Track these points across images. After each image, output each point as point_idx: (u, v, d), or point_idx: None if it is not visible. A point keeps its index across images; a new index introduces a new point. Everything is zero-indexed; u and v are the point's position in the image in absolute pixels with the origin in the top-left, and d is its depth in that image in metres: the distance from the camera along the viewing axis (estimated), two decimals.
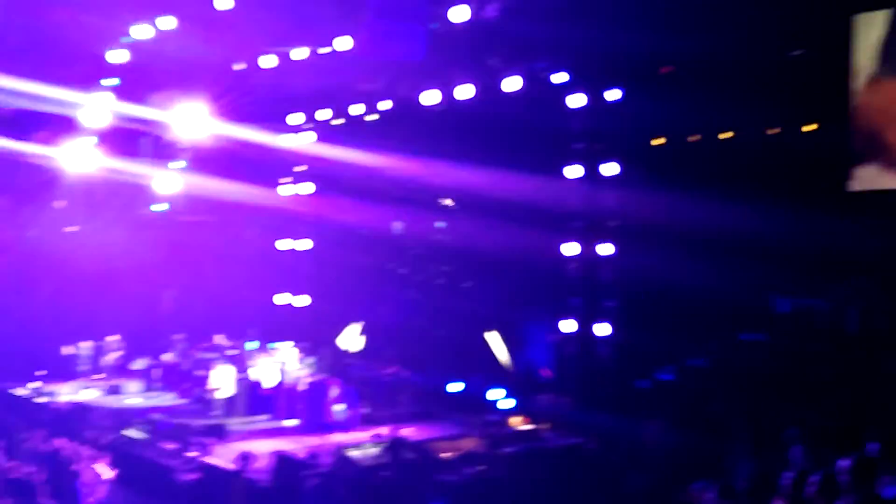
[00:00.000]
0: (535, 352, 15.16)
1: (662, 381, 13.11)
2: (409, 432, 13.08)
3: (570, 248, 14.28)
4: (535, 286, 14.48)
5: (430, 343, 15.52)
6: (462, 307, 15.13)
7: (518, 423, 13.58)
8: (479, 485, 10.90)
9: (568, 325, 14.17)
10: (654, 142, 14.31)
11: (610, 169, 14.08)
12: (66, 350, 18.02)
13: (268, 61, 16.99)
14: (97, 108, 18.03)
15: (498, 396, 14.48)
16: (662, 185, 12.62)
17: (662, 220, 12.28)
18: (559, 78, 14.44)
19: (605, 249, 14.00)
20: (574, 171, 14.29)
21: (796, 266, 11.71)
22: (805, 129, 12.81)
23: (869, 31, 11.70)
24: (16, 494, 10.83)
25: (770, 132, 13.18)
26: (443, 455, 12.27)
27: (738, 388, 11.66)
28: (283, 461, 11.76)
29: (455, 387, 15.25)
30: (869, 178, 11.67)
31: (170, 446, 13.28)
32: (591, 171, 14.17)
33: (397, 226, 16.69)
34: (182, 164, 19.17)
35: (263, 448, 12.57)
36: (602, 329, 13.79)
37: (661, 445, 10.89)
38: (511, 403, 14.35)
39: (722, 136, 13.69)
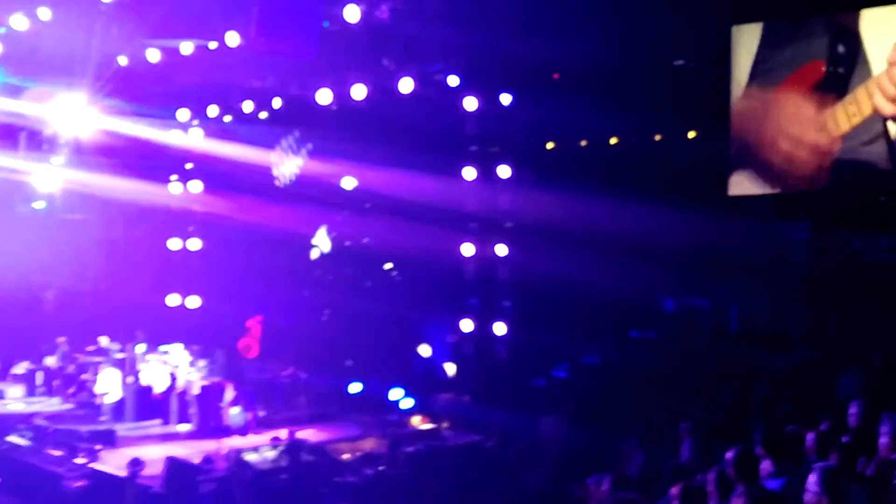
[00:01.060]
0: (434, 351, 15.21)
1: (557, 379, 13.42)
2: (307, 434, 12.89)
3: (467, 249, 14.41)
4: (434, 286, 14.53)
5: (328, 344, 15.33)
6: (361, 307, 15.00)
7: (418, 422, 13.59)
8: (379, 485, 10.88)
9: (466, 325, 14.30)
10: (547, 145, 14.61)
11: (504, 171, 14.27)
12: None
13: (153, 55, 16.32)
14: None
15: (398, 396, 14.46)
16: (554, 187, 12.89)
17: (555, 222, 12.55)
18: (453, 81, 14.51)
19: (501, 250, 14.19)
20: (469, 173, 14.41)
21: (681, 267, 12.20)
22: (688, 135, 13.36)
23: (746, 42, 12.27)
24: None
25: (655, 138, 13.68)
26: (343, 456, 12.22)
27: (629, 384, 12.06)
28: (177, 466, 11.37)
29: (355, 387, 15.14)
30: (744, 183, 12.25)
31: (56, 453, 12.59)
32: (486, 173, 14.32)
33: (291, 225, 16.37)
34: (63, 159, 18.17)
35: (155, 453, 12.14)
36: (499, 328, 13.98)
37: (558, 441, 11.15)
38: (411, 403, 14.35)
39: (610, 140, 14.11)
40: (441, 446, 12.30)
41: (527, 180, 13.90)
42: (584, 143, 14.29)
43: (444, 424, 13.43)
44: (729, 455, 6.17)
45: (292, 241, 16.32)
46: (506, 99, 14.23)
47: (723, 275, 12.40)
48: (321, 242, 15.71)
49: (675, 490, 6.15)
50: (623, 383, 12.19)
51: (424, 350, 15.13)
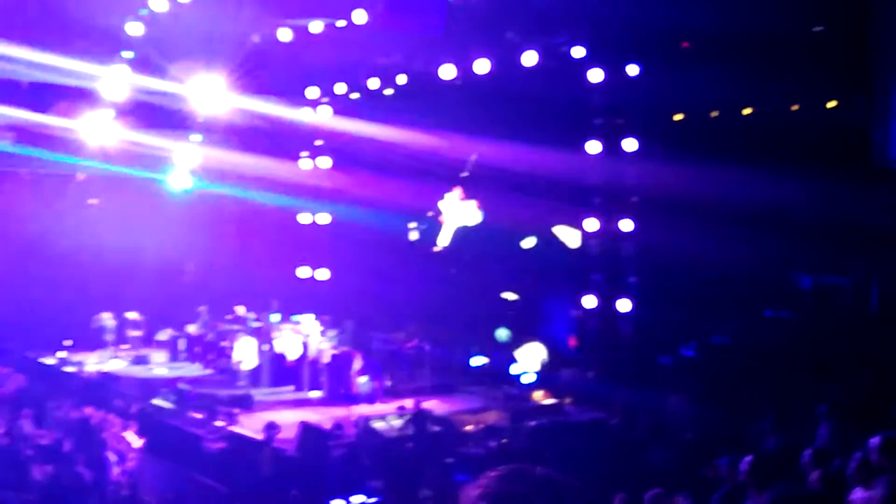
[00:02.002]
0: (557, 327, 15.11)
1: (685, 357, 13.06)
2: (431, 405, 13.11)
3: (591, 224, 14.17)
4: (557, 261, 14.37)
5: (452, 317, 15.45)
6: (484, 282, 15.02)
7: (540, 397, 13.57)
8: (502, 458, 10.93)
9: (589, 301, 14.12)
10: (675, 117, 14.13)
11: (630, 144, 13.92)
12: (93, 321, 18.05)
13: (284, 34, 16.78)
14: (115, 80, 17.90)
15: (520, 371, 14.47)
16: (683, 160, 12.45)
17: (684, 196, 12.12)
18: (578, 52, 14.23)
19: (626, 225, 13.89)
20: (594, 147, 14.13)
21: (819, 242, 11.57)
22: (828, 104, 12.62)
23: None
24: (46, 461, 10.97)
25: (792, 108, 12.99)
26: (466, 428, 12.43)
27: (761, 364, 11.60)
28: (309, 431, 11.87)
29: (478, 361, 15.26)
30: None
31: (197, 415, 13.39)
32: (611, 147, 14.00)
33: (417, 200, 16.59)
34: (200, 137, 19.06)
35: (289, 418, 12.71)
36: (623, 305, 13.73)
37: (684, 421, 10.89)
38: (533, 378, 14.32)
39: (743, 111, 13.50)
40: (564, 422, 12.28)
41: (654, 153, 13.50)
42: (714, 114, 13.72)
43: (567, 400, 13.37)
44: (874, 441, 5.87)
45: (418, 215, 16.52)
46: (632, 70, 13.85)
47: (864, 250, 11.67)
48: (463, 219, 15.66)
49: (814, 475, 5.92)
50: (755, 364, 11.72)
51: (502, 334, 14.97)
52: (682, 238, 11.71)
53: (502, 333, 14.57)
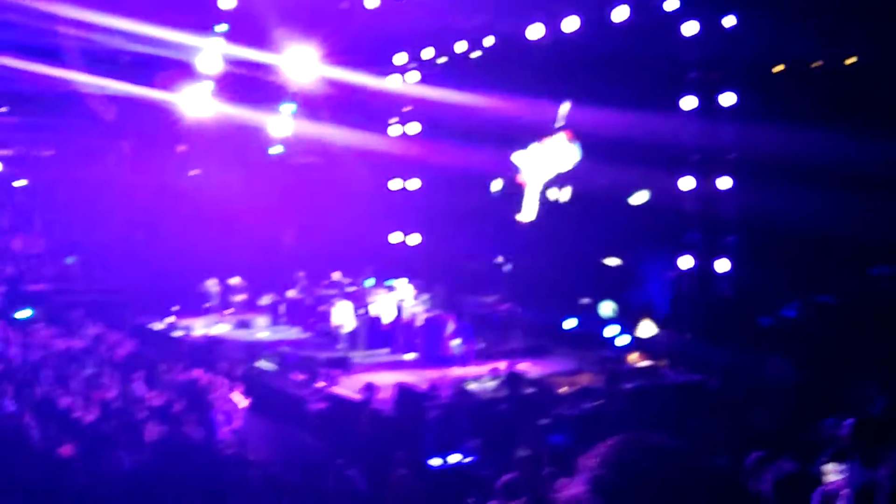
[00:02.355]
0: (652, 288, 14.85)
1: (787, 318, 12.63)
2: (525, 367, 13.14)
3: (687, 183, 13.80)
4: (652, 222, 14.06)
5: (544, 280, 15.44)
6: (577, 244, 14.88)
7: (636, 359, 13.42)
8: (597, 419, 10.91)
9: (685, 262, 13.80)
10: (774, 69, 13.54)
11: (727, 99, 13.44)
12: (198, 287, 18.80)
13: (371, 1, 16.83)
14: (211, 53, 18.37)
15: (614, 333, 14.36)
16: (783, 114, 11.95)
17: (784, 152, 11.64)
18: (670, 5, 13.77)
19: (724, 183, 13.46)
20: (689, 103, 13.71)
21: None
22: None
23: None
24: (159, 421, 11.54)
25: None
26: (560, 390, 12.39)
27: (868, 324, 11.13)
28: (406, 393, 12.14)
29: (570, 323, 15.19)
30: None
31: (299, 377, 13.83)
32: (708, 103, 13.56)
33: (508, 164, 16.48)
34: (293, 107, 19.40)
35: (386, 380, 12.98)
36: (721, 265, 13.36)
37: (786, 383, 10.59)
38: (627, 340, 14.18)
39: (847, 61, 12.81)
40: (660, 384, 12.10)
41: (752, 108, 13.00)
42: (817, 65, 13.06)
43: (663, 362, 13.18)
44: None
45: (509, 179, 16.41)
46: (729, 21, 13.32)
47: None
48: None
49: None
50: (861, 324, 11.24)
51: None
52: (783, 195, 11.28)
53: (607, 307, 14.35)
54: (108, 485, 9.12)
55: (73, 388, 12.76)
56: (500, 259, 16.33)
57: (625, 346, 14.05)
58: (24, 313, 18.99)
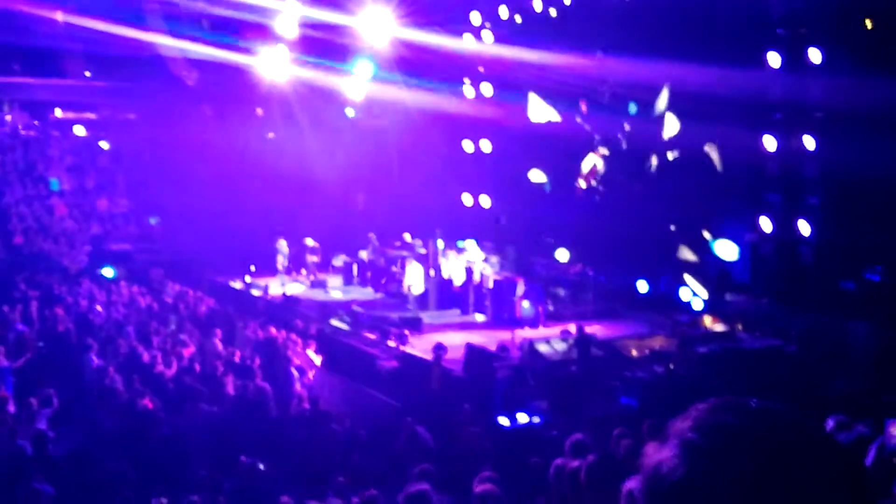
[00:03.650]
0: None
1: (870, 282, 12.11)
2: (595, 330, 13.04)
3: (770, 142, 13.26)
4: (731, 182, 13.61)
5: (616, 241, 15.19)
6: (650, 204, 14.58)
7: (710, 323, 13.13)
8: (669, 383, 10.73)
9: (765, 224, 13.32)
10: (865, 24, 12.82)
11: (814, 55, 12.81)
12: (274, 248, 19.14)
13: None
14: (289, 15, 18.50)
15: (688, 296, 14.04)
16: (873, 71, 11.32)
17: (873, 110, 11.05)
18: None
19: (808, 143, 12.88)
20: (774, 59, 13.12)
21: None
22: None
23: None
24: (237, 376, 11.87)
25: None
26: (631, 353, 12.28)
27: None
28: (476, 353, 12.17)
29: (643, 286, 14.94)
30: None
31: (371, 336, 14.05)
32: (794, 59, 12.94)
33: (580, 122, 16.15)
34: (369, 68, 19.42)
35: (455, 340, 13.07)
36: (803, 227, 12.84)
37: (868, 349, 10.18)
38: (701, 304, 13.88)
39: None
40: (736, 348, 11.80)
41: (841, 64, 12.36)
42: None
43: (739, 326, 12.84)
44: None
45: (581, 139, 16.11)
46: None
47: None
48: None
49: None
50: None
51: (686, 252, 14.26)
52: (870, 156, 10.72)
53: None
54: (189, 435, 9.41)
55: (155, 344, 13.20)
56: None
57: (699, 310, 13.76)
58: (108, 272, 19.73)
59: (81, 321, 14.56)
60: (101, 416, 10.11)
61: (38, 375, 11.50)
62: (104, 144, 25.75)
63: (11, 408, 9.71)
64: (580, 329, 12.41)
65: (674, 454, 1.09)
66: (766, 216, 13.30)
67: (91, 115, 26.13)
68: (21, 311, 14.67)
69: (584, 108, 15.87)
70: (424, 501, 4.71)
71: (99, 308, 15.61)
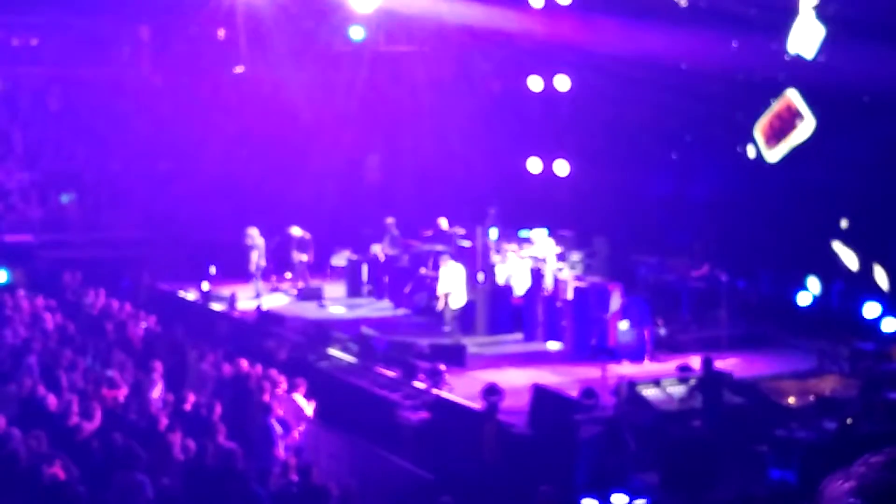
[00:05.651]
0: None
1: None
2: (730, 364, 13.07)
3: None
4: None
5: (759, 232, 15.23)
6: (802, 181, 14.66)
7: None
8: (845, 447, 10.66)
9: None
10: None
11: None
12: (244, 240, 18.74)
13: None
14: None
15: (876, 313, 13.97)
16: None
17: None
18: None
19: None
20: None
21: None
22: None
23: None
24: (188, 432, 11.89)
25: None
26: (787, 400, 12.29)
27: None
28: (547, 399, 12.13)
29: (805, 297, 14.93)
30: None
31: (389, 373, 14.04)
32: None
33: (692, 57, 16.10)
34: None
35: (516, 380, 13.08)
36: None
37: None
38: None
39: None
40: None
41: None
42: None
43: None
44: None
45: (699, 78, 16.10)
46: None
47: None
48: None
49: None
50: None
51: None
52: None
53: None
54: None
55: (68, 384, 13.32)
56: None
57: (893, 333, 13.77)
58: None
59: None
60: None
61: None
62: None
63: None
64: (707, 364, 12.41)
65: None
66: None
67: None
68: None
69: None
70: None
71: None
